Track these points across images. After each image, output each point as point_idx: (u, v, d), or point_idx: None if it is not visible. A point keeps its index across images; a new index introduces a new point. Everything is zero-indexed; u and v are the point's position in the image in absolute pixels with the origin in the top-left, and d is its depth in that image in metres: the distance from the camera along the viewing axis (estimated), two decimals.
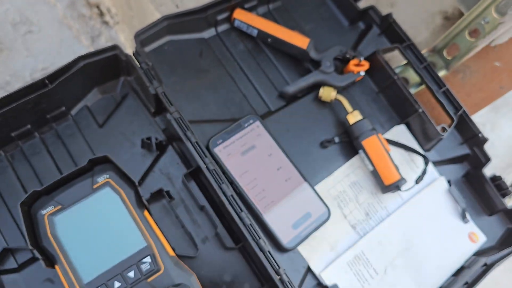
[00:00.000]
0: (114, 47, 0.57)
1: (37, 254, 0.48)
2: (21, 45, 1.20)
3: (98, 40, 1.23)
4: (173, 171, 0.60)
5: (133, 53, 0.58)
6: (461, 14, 1.42)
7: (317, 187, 0.60)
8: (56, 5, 1.24)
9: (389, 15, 0.67)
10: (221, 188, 0.53)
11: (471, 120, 0.64)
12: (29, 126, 0.58)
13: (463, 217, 0.63)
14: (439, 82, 0.64)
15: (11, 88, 1.16)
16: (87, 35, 1.22)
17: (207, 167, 0.53)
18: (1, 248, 0.54)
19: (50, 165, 0.59)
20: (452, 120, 0.63)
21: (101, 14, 1.23)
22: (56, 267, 0.49)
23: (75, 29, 1.22)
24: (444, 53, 0.71)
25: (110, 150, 0.60)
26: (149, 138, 0.58)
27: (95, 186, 0.52)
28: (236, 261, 0.57)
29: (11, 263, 0.55)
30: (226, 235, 0.57)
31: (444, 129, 0.62)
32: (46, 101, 0.56)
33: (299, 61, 0.67)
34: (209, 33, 0.65)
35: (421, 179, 0.61)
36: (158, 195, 0.58)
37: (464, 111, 0.63)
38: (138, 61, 0.57)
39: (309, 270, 0.56)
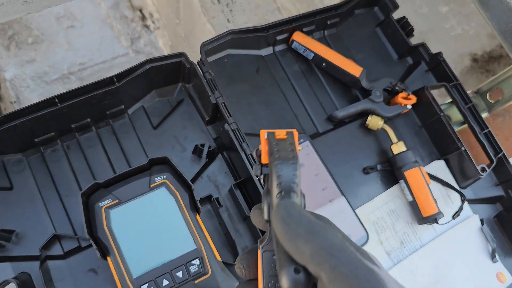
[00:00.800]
0: (180, 54, 0.60)
1: (93, 244, 0.49)
2: (63, 39, 1.23)
3: (137, 42, 1.26)
4: (220, 179, 0.62)
5: (197, 62, 0.60)
6: (489, 58, 1.46)
7: (357, 211, 0.61)
8: (101, 4, 1.28)
9: (439, 54, 0.69)
10: None
11: (509, 163, 0.66)
12: (88, 119, 0.60)
13: (493, 256, 0.65)
14: (482, 124, 0.66)
15: (48, 78, 1.19)
16: (127, 36, 1.26)
17: (258, 180, 0.55)
18: (51, 234, 0.56)
19: (103, 159, 0.61)
20: (492, 161, 0.65)
21: (143, 17, 1.27)
22: (108, 258, 0.51)
23: (116, 29, 1.26)
24: (488, 96, 0.73)
25: (162, 152, 0.62)
26: (203, 145, 0.60)
27: (152, 185, 0.54)
28: None
29: (57, 250, 0.56)
30: None
31: (483, 169, 0.64)
32: (110, 98, 0.59)
33: (348, 88, 0.69)
34: (267, 51, 0.68)
35: (458, 215, 0.63)
36: (206, 200, 0.60)
37: (504, 154, 0.66)
38: (202, 70, 0.59)
39: None
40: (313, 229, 0.27)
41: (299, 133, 0.63)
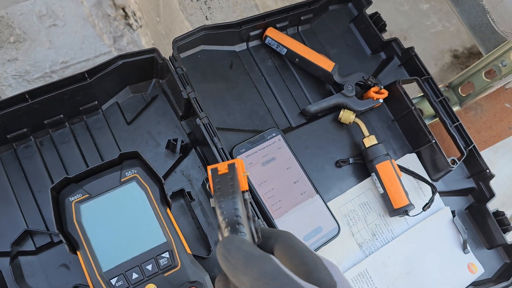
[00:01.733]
0: (153, 50, 0.60)
1: (62, 238, 0.50)
2: (45, 37, 1.23)
3: (120, 41, 1.26)
4: (194, 174, 0.62)
5: (169, 58, 0.61)
6: (470, 54, 1.48)
7: (329, 204, 0.62)
8: (83, 2, 1.28)
9: (411, 48, 0.70)
10: None
11: (480, 156, 0.67)
12: (61, 115, 0.60)
13: (464, 247, 0.66)
14: (453, 117, 0.67)
15: (30, 77, 1.19)
16: (110, 35, 1.26)
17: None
18: (22, 229, 0.56)
19: (76, 155, 0.61)
20: (462, 154, 0.66)
21: (126, 16, 1.27)
22: (78, 253, 0.51)
23: (98, 27, 1.26)
24: (459, 90, 0.75)
25: (136, 147, 0.62)
26: (175, 140, 0.61)
27: (122, 180, 0.54)
28: None
29: (29, 246, 0.57)
30: None
31: (454, 162, 0.65)
32: (82, 94, 0.59)
33: (321, 83, 0.70)
34: (240, 46, 0.69)
35: (429, 207, 0.64)
36: (178, 194, 0.60)
37: (474, 147, 0.67)
38: (173, 66, 0.60)
39: None
40: (249, 261, 0.29)
41: (271, 128, 0.64)
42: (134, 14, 1.26)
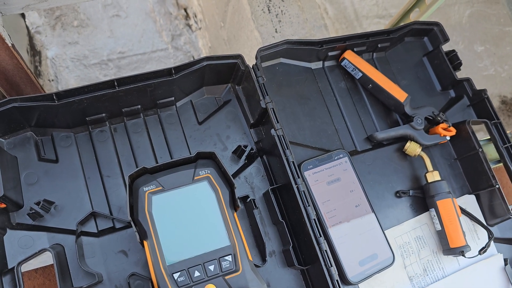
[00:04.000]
0: (237, 56, 0.62)
1: (133, 226, 0.51)
2: (106, 26, 1.26)
3: (178, 39, 1.29)
4: (257, 182, 0.63)
5: (252, 66, 0.62)
6: None
7: (385, 232, 0.62)
8: None
9: (483, 91, 0.70)
10: (306, 210, 0.56)
11: None
12: (139, 106, 0.62)
13: None
14: None
15: (87, 62, 1.22)
16: (169, 32, 1.29)
17: (297, 187, 0.56)
18: (88, 211, 0.57)
19: (146, 146, 0.63)
20: None
21: (187, 16, 1.30)
22: (145, 242, 0.52)
23: (159, 24, 1.29)
24: None
25: (203, 148, 0.64)
26: (246, 146, 0.62)
27: (195, 178, 0.55)
28: (295, 282, 0.60)
29: (92, 227, 0.58)
30: (294, 254, 0.59)
31: None
32: (164, 89, 0.61)
33: (389, 111, 0.71)
34: (316, 64, 0.70)
35: (485, 251, 0.64)
36: (241, 200, 0.61)
37: None
38: (255, 74, 0.61)
39: None
40: None
41: (339, 149, 0.64)
42: (195, 16, 1.29)
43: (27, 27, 1.17)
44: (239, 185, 0.63)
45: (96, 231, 0.58)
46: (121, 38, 1.26)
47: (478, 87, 0.72)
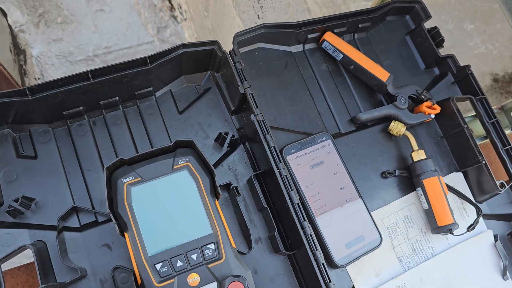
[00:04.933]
0: (214, 42, 0.60)
1: (113, 218, 0.50)
2: (91, 21, 1.25)
3: (163, 31, 1.27)
4: (240, 169, 0.62)
5: (229, 52, 0.61)
6: (510, 79, 1.46)
7: (372, 214, 0.62)
8: None
9: (467, 66, 0.69)
10: (289, 195, 0.55)
11: None
12: (117, 98, 0.61)
13: (504, 273, 0.65)
14: (505, 140, 0.66)
15: (73, 58, 1.21)
16: (154, 25, 1.27)
17: (279, 172, 0.56)
18: (69, 206, 0.57)
19: (127, 138, 0.62)
20: (511, 178, 0.65)
21: (172, 8, 1.29)
22: (126, 234, 0.51)
23: (144, 16, 1.27)
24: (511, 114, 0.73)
25: (185, 137, 0.63)
26: (226, 133, 0.61)
27: (175, 167, 0.54)
28: (283, 268, 0.59)
29: (74, 222, 0.57)
30: (280, 240, 0.58)
31: (502, 185, 0.64)
32: (141, 79, 0.60)
33: (373, 92, 0.70)
34: (296, 48, 0.69)
35: (473, 228, 0.63)
36: (224, 188, 0.60)
37: None
38: (233, 60, 0.60)
39: None
40: None
41: (322, 132, 0.64)
42: (180, 7, 1.27)
43: (10, 26, 1.15)
44: (223, 172, 0.62)
45: (79, 226, 0.57)
46: (106, 33, 1.25)
47: (471, 64, 0.71)
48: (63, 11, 1.23)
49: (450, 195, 0.67)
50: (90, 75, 0.56)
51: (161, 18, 1.27)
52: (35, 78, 1.16)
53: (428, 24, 0.74)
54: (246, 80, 0.59)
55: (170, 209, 0.53)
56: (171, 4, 1.26)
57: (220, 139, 0.62)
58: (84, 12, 1.24)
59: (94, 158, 0.60)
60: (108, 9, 1.26)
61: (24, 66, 1.17)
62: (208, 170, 0.55)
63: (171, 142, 0.62)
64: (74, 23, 1.23)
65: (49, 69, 1.18)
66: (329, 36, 0.67)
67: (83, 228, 0.57)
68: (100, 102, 0.61)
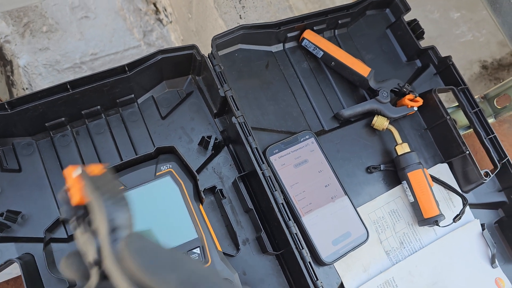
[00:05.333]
0: (192, 47, 0.61)
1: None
2: (76, 29, 1.25)
3: (150, 35, 1.27)
4: (225, 172, 0.63)
5: (208, 55, 0.61)
6: (499, 66, 1.46)
7: (358, 209, 0.62)
8: None
9: (448, 57, 0.70)
10: (273, 195, 0.55)
11: None
12: (98, 107, 0.61)
13: (492, 262, 0.65)
14: (488, 129, 0.66)
15: (60, 67, 1.21)
16: (140, 29, 1.27)
17: (263, 173, 0.56)
18: (55, 217, 0.57)
19: (111, 146, 0.62)
20: (496, 166, 0.65)
21: (157, 11, 1.28)
22: None
23: (129, 21, 1.27)
24: (495, 102, 0.74)
25: (169, 142, 0.63)
26: (209, 137, 0.61)
27: (157, 174, 0.54)
28: (271, 268, 0.59)
29: (61, 233, 0.57)
30: (267, 241, 0.59)
31: (487, 174, 0.64)
32: (121, 87, 0.60)
33: (355, 87, 0.70)
34: (277, 47, 0.69)
35: (459, 218, 0.64)
36: (208, 191, 0.61)
37: (508, 160, 0.66)
38: (212, 63, 0.60)
39: (342, 287, 0.59)
40: (176, 258, 0.27)
41: (305, 130, 0.64)
42: (165, 10, 1.27)
43: None
44: (208, 176, 0.62)
45: (66, 236, 0.57)
46: (92, 40, 1.25)
47: (457, 54, 0.71)
48: (48, 20, 1.23)
49: (436, 187, 0.67)
50: (69, 86, 0.56)
51: (147, 22, 1.26)
52: (23, 89, 1.16)
53: (411, 16, 0.74)
54: (226, 83, 0.59)
55: (154, 216, 0.53)
56: (156, 8, 1.26)
57: (203, 143, 0.62)
58: (69, 20, 1.24)
59: None
60: (93, 15, 1.26)
61: (11, 77, 1.17)
62: (191, 175, 0.55)
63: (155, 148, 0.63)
64: (60, 32, 1.23)
65: (37, 78, 1.18)
66: (308, 34, 0.67)
67: (70, 238, 0.57)
68: (82, 112, 0.61)
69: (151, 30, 1.27)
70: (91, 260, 0.31)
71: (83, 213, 0.33)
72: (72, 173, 0.31)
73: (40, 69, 1.20)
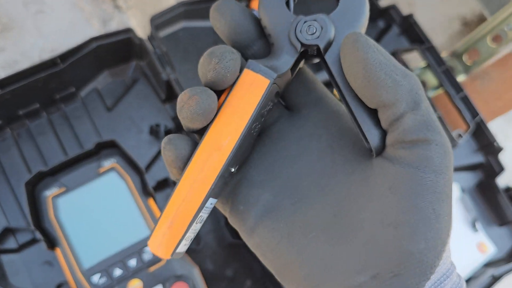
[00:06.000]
0: (128, 30, 0.56)
1: (39, 235, 0.47)
2: (32, 25, 1.19)
3: (110, 24, 1.21)
4: None
5: (147, 38, 0.57)
6: (480, 21, 1.40)
7: None
8: None
9: (410, 16, 0.65)
10: None
11: (487, 128, 0.63)
12: (37, 105, 0.57)
13: (473, 226, 0.62)
14: (457, 87, 0.62)
15: (19, 67, 1.15)
16: (99, 19, 1.21)
17: None
18: (2, 227, 0.53)
19: (55, 146, 0.58)
20: (468, 126, 0.61)
21: None
22: (57, 249, 0.48)
23: (87, 11, 1.21)
24: (464, 57, 0.69)
25: (117, 135, 0.59)
26: (158, 125, 0.57)
27: (101, 171, 0.51)
28: (239, 257, 0.56)
29: (11, 243, 0.54)
30: (232, 230, 0.55)
31: (459, 135, 0.60)
32: (56, 81, 0.55)
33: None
34: None
35: None
36: (164, 184, 0.57)
37: (481, 118, 0.62)
38: (152, 46, 0.56)
39: None
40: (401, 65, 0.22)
41: None
42: None
43: None
44: (162, 167, 0.58)
45: (17, 246, 0.54)
46: (50, 35, 1.19)
47: (435, 11, 0.66)
48: (1, 18, 1.16)
49: None
50: None
51: (105, 10, 1.20)
52: None
53: None
54: (168, 66, 0.54)
55: (103, 215, 0.50)
56: None
57: (153, 132, 0.58)
58: (23, 16, 1.18)
59: (23, 173, 0.56)
60: (48, 9, 1.20)
61: None
62: (137, 168, 0.51)
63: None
64: (15, 29, 1.16)
65: None
66: (256, 3, 0.62)
67: (21, 248, 0.54)
68: (19, 113, 0.56)
69: (111, 18, 1.21)
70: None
71: None
72: None
73: None
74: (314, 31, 0.24)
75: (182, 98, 0.22)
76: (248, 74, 0.23)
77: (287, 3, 0.25)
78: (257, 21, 0.25)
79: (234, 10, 0.25)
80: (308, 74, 0.27)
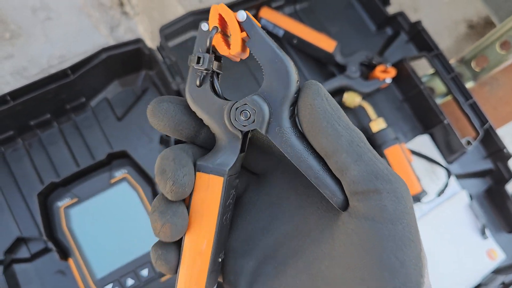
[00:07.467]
0: (138, 41, 0.56)
1: (51, 246, 0.47)
2: (40, 31, 1.19)
3: (117, 30, 1.22)
4: None
5: (157, 47, 0.57)
6: (486, 23, 1.40)
7: None
8: None
9: (418, 23, 0.65)
10: None
11: (496, 135, 0.62)
12: (48, 115, 0.58)
13: (483, 233, 0.62)
14: (466, 94, 0.62)
15: (28, 73, 1.16)
16: (106, 25, 1.22)
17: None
18: (14, 237, 0.54)
19: (66, 156, 0.58)
20: (478, 133, 0.61)
21: (121, 4, 1.23)
22: (70, 260, 0.49)
23: (94, 18, 1.22)
24: (473, 64, 0.69)
25: (128, 144, 0.59)
26: (168, 135, 0.57)
27: (112, 181, 0.51)
28: None
29: (23, 253, 0.54)
30: None
31: (468, 143, 0.60)
32: (67, 92, 0.56)
33: (323, 64, 0.66)
34: None
35: (443, 192, 0.60)
36: None
37: (490, 125, 0.62)
38: (162, 56, 0.56)
39: None
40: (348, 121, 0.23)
41: None
42: (130, 1, 1.22)
43: None
44: None
45: (29, 256, 0.54)
46: (58, 41, 1.19)
47: (441, 15, 0.66)
48: (9, 25, 1.17)
49: (419, 160, 0.64)
50: (8, 97, 0.52)
51: (113, 16, 1.21)
52: None
53: None
54: (178, 75, 0.55)
55: (115, 225, 0.50)
56: (120, 1, 1.20)
57: (164, 142, 0.58)
58: (31, 23, 1.19)
59: (35, 183, 0.57)
60: (56, 16, 1.20)
61: None
62: (148, 178, 0.51)
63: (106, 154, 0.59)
64: (23, 36, 1.17)
65: (5, 88, 1.13)
66: (265, 12, 0.63)
67: (33, 257, 0.54)
68: (31, 123, 0.57)
69: (118, 24, 1.22)
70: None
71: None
72: (237, 16, 0.23)
73: (7, 78, 1.15)
74: (248, 115, 0.24)
75: (155, 226, 0.23)
76: (201, 177, 0.23)
77: (213, 87, 0.26)
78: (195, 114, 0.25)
79: (169, 111, 0.25)
80: (260, 140, 0.26)
